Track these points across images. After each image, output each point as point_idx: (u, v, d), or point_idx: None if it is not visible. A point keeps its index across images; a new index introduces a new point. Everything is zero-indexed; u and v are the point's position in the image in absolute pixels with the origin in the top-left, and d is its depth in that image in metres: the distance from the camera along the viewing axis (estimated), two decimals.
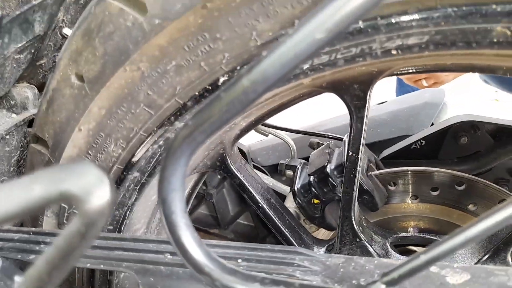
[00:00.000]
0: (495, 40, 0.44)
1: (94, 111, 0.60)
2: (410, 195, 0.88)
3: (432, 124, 1.16)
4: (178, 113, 0.59)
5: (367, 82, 0.62)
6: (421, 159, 1.05)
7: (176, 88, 0.56)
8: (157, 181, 0.40)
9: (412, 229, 0.88)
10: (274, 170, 1.26)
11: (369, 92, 0.64)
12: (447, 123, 1.00)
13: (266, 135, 1.14)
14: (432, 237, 0.79)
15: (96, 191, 0.28)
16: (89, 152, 0.65)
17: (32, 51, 0.81)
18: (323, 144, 1.03)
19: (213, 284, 0.39)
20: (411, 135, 1.12)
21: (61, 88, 0.63)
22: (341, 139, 1.00)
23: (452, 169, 0.94)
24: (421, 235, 0.81)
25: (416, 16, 0.45)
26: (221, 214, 1.26)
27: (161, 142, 0.62)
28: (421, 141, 1.04)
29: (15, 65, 0.80)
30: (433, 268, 0.47)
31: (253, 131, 0.94)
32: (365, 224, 0.77)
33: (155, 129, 0.61)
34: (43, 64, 0.89)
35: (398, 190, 0.88)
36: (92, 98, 0.59)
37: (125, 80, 0.57)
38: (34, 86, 0.93)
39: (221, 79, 0.55)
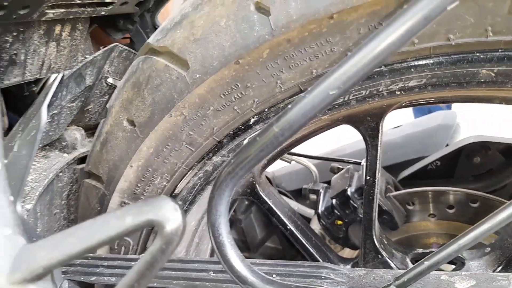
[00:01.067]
0: (482, 80, 0.53)
1: (144, 150, 0.71)
2: (428, 214, 0.94)
3: (447, 145, 1.23)
4: (216, 149, 0.69)
5: (378, 114, 0.71)
6: (438, 179, 1.11)
7: (214, 129, 0.66)
8: (197, 209, 0.48)
9: (432, 245, 0.94)
10: (298, 194, 1.34)
11: (381, 122, 0.72)
12: (459, 144, 1.07)
13: (289, 162, 1.23)
14: None
15: (172, 218, 0.37)
16: (138, 185, 0.75)
17: (83, 99, 0.94)
18: (343, 168, 1.11)
19: None
20: (427, 156, 1.18)
21: (114, 132, 0.74)
22: (359, 163, 1.07)
23: (468, 187, 1.00)
24: None
25: (414, 63, 0.54)
26: (250, 238, 1.34)
27: (200, 174, 0.72)
28: (437, 162, 1.10)
29: (68, 112, 0.92)
30: (444, 276, 0.54)
31: None
32: (386, 242, 0.84)
33: (196, 163, 0.71)
34: (90, 109, 1.01)
35: (416, 209, 0.95)
36: (143, 140, 0.69)
37: (170, 124, 0.67)
38: (81, 128, 1.05)
39: (252, 120, 0.64)
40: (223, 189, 0.47)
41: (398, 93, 0.57)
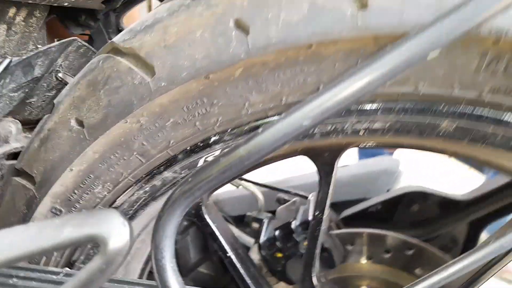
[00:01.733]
0: (441, 133, 0.55)
1: (89, 154, 0.65)
2: (366, 256, 0.95)
3: (388, 190, 1.28)
4: (168, 164, 0.65)
5: (336, 151, 0.71)
6: (377, 221, 1.15)
7: (170, 142, 0.63)
8: (135, 225, 0.44)
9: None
10: (239, 221, 1.31)
11: (337, 160, 0.73)
12: (401, 191, 1.11)
13: (237, 187, 1.21)
14: None
15: (118, 235, 0.33)
16: (75, 191, 0.69)
17: (26, 90, 0.86)
18: (289, 200, 1.11)
19: None
20: (369, 198, 1.22)
21: (58, 130, 0.67)
22: (306, 197, 1.08)
23: (404, 233, 1.04)
24: None
25: (383, 105, 0.55)
26: (183, 261, 1.28)
27: (147, 188, 0.67)
28: (378, 205, 1.13)
29: (8, 102, 0.84)
30: None
31: None
32: (323, 281, 0.83)
33: (144, 176, 0.67)
34: (32, 102, 0.93)
35: (354, 250, 0.96)
36: (90, 143, 0.64)
37: (123, 130, 0.63)
38: (18, 121, 0.96)
39: (212, 139, 0.62)
40: (174, 209, 0.44)
41: (361, 133, 0.58)
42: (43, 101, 0.96)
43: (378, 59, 0.41)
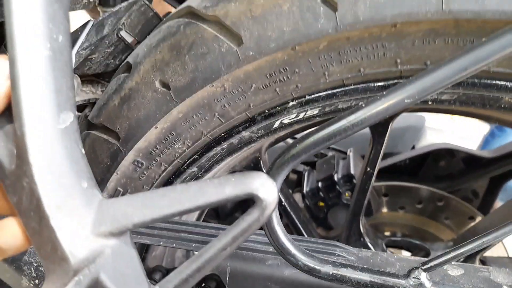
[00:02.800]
0: (502, 105, 0.61)
1: (174, 114, 0.72)
2: (398, 206, 1.06)
3: (413, 146, 1.36)
4: (246, 125, 0.72)
5: (391, 116, 0.78)
6: (404, 175, 1.24)
7: (250, 105, 0.69)
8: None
9: (396, 234, 1.07)
10: None
11: (391, 123, 0.80)
12: (429, 148, 1.19)
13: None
14: (417, 242, 0.97)
15: (269, 194, 0.41)
16: (157, 146, 0.76)
17: (92, 48, 0.90)
18: (325, 154, 1.19)
19: (297, 263, 0.53)
20: (396, 153, 1.31)
21: (141, 90, 0.73)
22: (344, 153, 1.16)
23: (430, 186, 1.14)
24: (408, 240, 0.99)
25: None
26: (221, 207, 1.39)
27: (224, 146, 0.75)
28: (406, 160, 1.22)
29: (76, 59, 0.88)
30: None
31: None
32: (367, 228, 0.93)
33: (222, 134, 0.74)
34: (93, 58, 0.97)
35: (389, 200, 1.06)
36: (176, 104, 0.70)
37: (208, 93, 0.69)
38: (77, 76, 1.01)
39: (290, 103, 0.68)
40: (282, 169, 0.51)
41: (430, 103, 0.64)
42: (102, 57, 1.01)
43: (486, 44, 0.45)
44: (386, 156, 1.33)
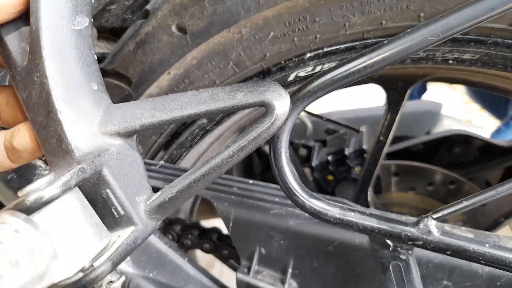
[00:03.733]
0: None
1: (188, 59, 0.71)
2: (409, 187, 1.03)
3: (428, 131, 1.33)
4: (261, 76, 0.70)
5: (409, 81, 0.76)
6: (418, 160, 1.21)
7: (266, 55, 0.68)
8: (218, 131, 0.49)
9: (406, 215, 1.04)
10: None
11: (408, 90, 0.78)
12: (445, 133, 1.17)
13: None
14: None
15: (281, 103, 0.40)
16: (168, 93, 0.75)
17: None
18: (337, 131, 1.18)
19: (303, 205, 0.52)
20: (410, 136, 1.28)
21: (157, 34, 0.72)
22: (356, 130, 1.14)
23: None
24: None
25: (474, 38, 0.60)
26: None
27: None
28: (420, 145, 1.20)
29: (95, 5, 0.88)
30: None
31: None
32: (375, 201, 0.92)
33: None
34: (112, 9, 0.97)
35: (399, 180, 1.04)
36: (191, 49, 0.69)
37: (224, 39, 0.68)
38: (94, 28, 1.01)
39: (307, 55, 0.67)
40: (297, 105, 0.50)
41: (451, 62, 0.62)
42: (121, 9, 1.00)
43: None
44: (400, 139, 1.30)
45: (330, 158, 1.03)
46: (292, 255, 0.62)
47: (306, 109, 1.29)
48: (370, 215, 0.51)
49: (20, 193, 0.35)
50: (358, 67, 0.47)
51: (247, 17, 0.64)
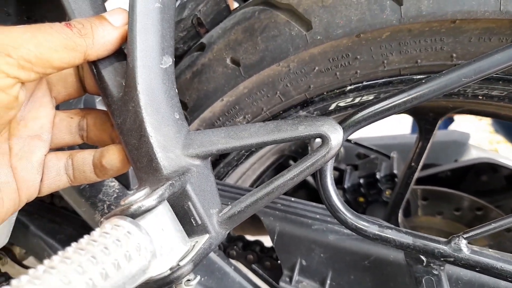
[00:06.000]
0: None
1: (240, 89, 0.80)
2: (437, 211, 1.08)
3: (456, 160, 1.38)
4: (304, 105, 0.78)
5: (440, 113, 0.83)
6: (445, 186, 1.26)
7: (310, 86, 0.76)
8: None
9: None
10: None
11: (439, 121, 0.84)
12: (473, 161, 1.21)
13: None
14: None
15: (336, 136, 0.48)
16: (220, 118, 0.84)
17: None
18: (368, 156, 1.24)
19: (345, 221, 0.59)
20: (437, 164, 1.33)
21: (213, 66, 0.82)
22: (387, 156, 1.20)
23: None
24: None
25: (502, 77, 0.66)
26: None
27: None
28: (448, 171, 1.24)
29: None
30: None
31: None
32: (405, 224, 0.97)
33: (280, 112, 0.81)
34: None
35: (427, 204, 1.09)
36: (243, 80, 0.78)
37: (273, 72, 0.76)
38: None
39: (348, 88, 0.74)
40: (345, 131, 0.57)
41: (480, 97, 0.69)
42: (175, 40, 1.11)
43: None
44: (427, 166, 1.35)
45: (361, 181, 1.09)
46: (331, 268, 0.68)
47: None
48: (406, 233, 0.57)
49: (122, 202, 0.43)
50: (399, 101, 0.54)
51: (295, 54, 0.73)
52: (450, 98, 0.71)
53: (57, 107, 0.57)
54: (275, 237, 0.70)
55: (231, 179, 0.93)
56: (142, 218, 0.42)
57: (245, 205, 0.50)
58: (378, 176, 1.07)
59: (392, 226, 0.57)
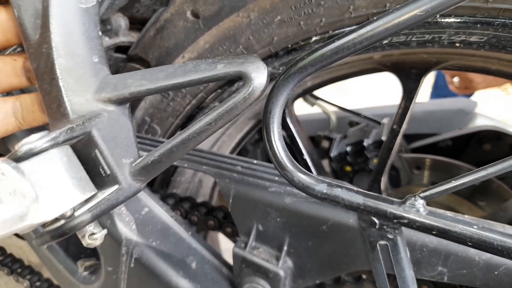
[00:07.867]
0: None
1: (200, 44, 0.74)
2: (430, 180, 1.00)
3: (460, 129, 1.28)
4: (269, 59, 0.72)
5: (423, 69, 0.75)
6: (445, 157, 1.17)
7: (274, 39, 0.70)
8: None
9: None
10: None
11: (422, 78, 0.76)
12: (475, 129, 1.12)
13: (312, 105, 1.27)
14: None
15: (259, 75, 0.42)
16: None
17: None
18: (360, 123, 1.16)
19: (292, 179, 0.53)
20: (440, 134, 1.24)
21: (174, 20, 0.76)
22: (378, 122, 1.12)
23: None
24: None
25: (481, 19, 0.58)
26: None
27: None
28: (449, 141, 1.16)
29: None
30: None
31: (301, 100, 1.07)
32: (389, 193, 0.90)
33: None
34: (142, 0, 1.03)
35: (421, 174, 1.01)
36: (203, 33, 0.72)
37: (234, 24, 0.70)
38: (126, 18, 1.07)
39: (313, 38, 0.68)
40: (288, 82, 0.51)
41: (457, 44, 0.61)
42: (150, 0, 1.06)
43: None
44: (428, 136, 1.27)
45: (348, 149, 1.02)
46: (288, 233, 0.63)
47: (331, 101, 1.28)
48: (357, 192, 0.51)
49: (16, 146, 0.39)
50: (348, 43, 0.47)
51: (255, 1, 0.66)
52: (425, 47, 0.63)
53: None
54: (231, 200, 0.66)
55: (203, 145, 0.89)
56: (28, 161, 0.37)
57: (159, 153, 0.45)
58: (365, 144, 0.99)
59: (344, 184, 0.51)
